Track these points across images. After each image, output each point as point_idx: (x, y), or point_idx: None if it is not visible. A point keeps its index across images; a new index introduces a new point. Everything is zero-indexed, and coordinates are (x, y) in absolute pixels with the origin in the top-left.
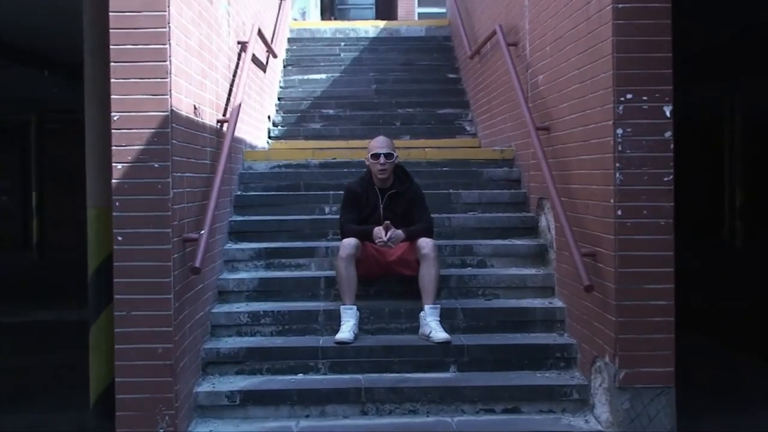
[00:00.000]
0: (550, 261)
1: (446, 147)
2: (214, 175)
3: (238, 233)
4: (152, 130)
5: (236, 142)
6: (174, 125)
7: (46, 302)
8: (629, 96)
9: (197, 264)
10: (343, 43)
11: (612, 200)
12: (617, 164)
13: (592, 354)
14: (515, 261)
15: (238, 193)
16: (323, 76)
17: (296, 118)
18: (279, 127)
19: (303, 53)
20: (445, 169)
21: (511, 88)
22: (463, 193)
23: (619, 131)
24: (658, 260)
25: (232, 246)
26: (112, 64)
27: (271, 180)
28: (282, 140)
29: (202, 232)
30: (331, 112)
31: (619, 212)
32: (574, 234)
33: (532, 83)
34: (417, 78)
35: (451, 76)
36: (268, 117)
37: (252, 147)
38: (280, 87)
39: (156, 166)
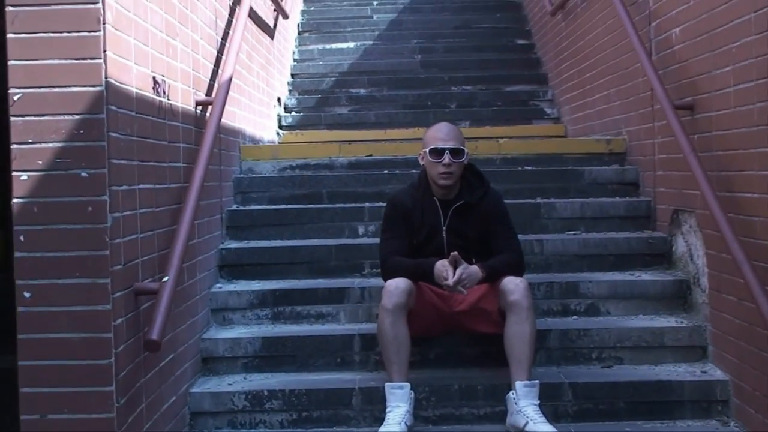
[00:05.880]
0: (696, 305)
1: (524, 136)
2: (189, 184)
3: (232, 267)
4: (77, 117)
5: (230, 134)
6: (113, 108)
7: None
8: None
9: (154, 335)
10: (376, 2)
11: None
12: None
13: None
14: (642, 305)
15: (233, 207)
16: (351, 44)
17: (316, 100)
18: (293, 113)
19: (324, 15)
20: (528, 168)
21: (615, 52)
22: (558, 203)
23: None
24: None
25: (223, 287)
26: (8, 8)
27: (281, 187)
28: (297, 131)
29: (166, 278)
30: (362, 92)
31: None
32: (755, 269)
33: (658, 42)
34: (475, 45)
35: (520, 42)
36: (279, 100)
37: (255, 141)
38: (294, 60)
39: (83, 175)
